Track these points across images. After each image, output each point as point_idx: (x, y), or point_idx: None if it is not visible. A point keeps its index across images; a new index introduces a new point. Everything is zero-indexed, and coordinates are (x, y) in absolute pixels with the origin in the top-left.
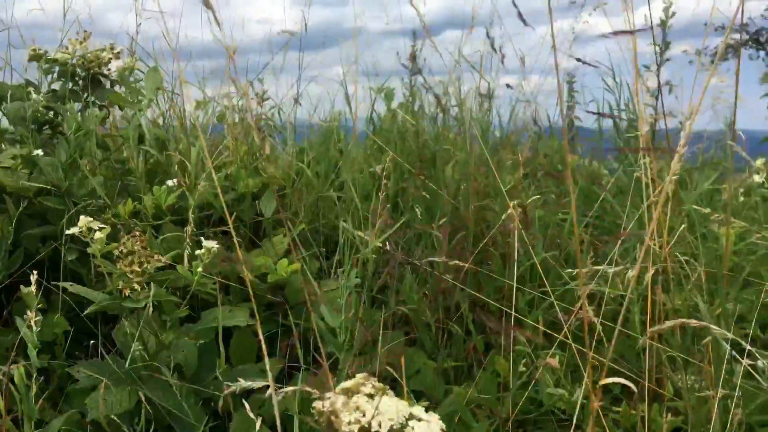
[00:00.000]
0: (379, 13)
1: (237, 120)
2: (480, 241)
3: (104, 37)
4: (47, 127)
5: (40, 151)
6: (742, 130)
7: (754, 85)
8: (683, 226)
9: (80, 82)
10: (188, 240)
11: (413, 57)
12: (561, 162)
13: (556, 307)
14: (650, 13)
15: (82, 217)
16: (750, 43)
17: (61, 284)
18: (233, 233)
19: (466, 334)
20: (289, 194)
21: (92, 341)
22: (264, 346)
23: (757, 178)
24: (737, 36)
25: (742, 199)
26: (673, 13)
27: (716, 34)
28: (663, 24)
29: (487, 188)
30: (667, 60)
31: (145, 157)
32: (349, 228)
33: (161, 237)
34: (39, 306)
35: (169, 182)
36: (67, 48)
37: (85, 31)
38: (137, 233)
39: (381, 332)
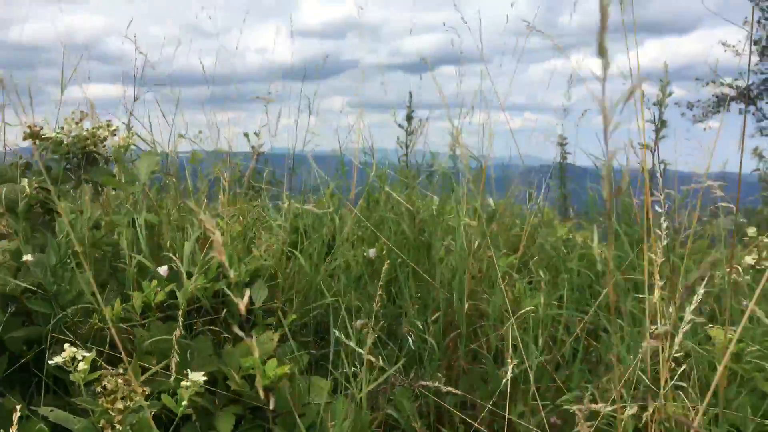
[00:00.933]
0: (375, 47)
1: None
2: (473, 339)
3: (102, 60)
4: (38, 205)
5: (29, 256)
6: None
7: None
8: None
9: (74, 159)
10: (176, 346)
11: (407, 134)
12: (558, 243)
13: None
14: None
15: (66, 347)
16: (740, 98)
17: (41, 410)
18: (222, 329)
19: None
20: (281, 282)
21: None
22: None
23: (749, 260)
24: (728, 89)
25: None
26: (670, 93)
27: (706, 81)
28: (659, 104)
29: (481, 273)
30: (662, 138)
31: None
32: (341, 338)
33: (149, 340)
34: (20, 414)
35: (160, 270)
36: (62, 128)
37: (82, 111)
38: (120, 372)
39: None
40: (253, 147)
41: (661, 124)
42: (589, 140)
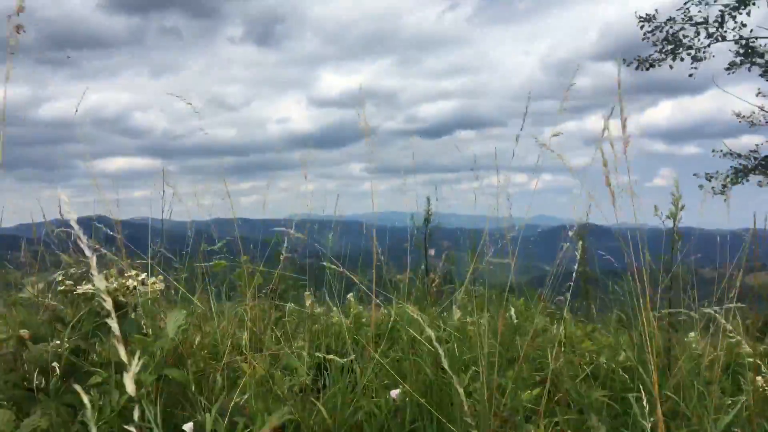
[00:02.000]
0: (392, 113)
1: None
2: None
3: (130, 135)
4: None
5: None
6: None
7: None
8: None
9: (102, 312)
10: None
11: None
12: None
13: None
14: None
15: None
16: (759, 168)
17: None
18: None
19: None
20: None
21: None
22: None
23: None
24: (746, 161)
25: None
26: (683, 206)
27: (723, 153)
28: (673, 216)
29: (505, 409)
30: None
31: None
32: None
33: None
34: None
35: (186, 429)
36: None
37: (112, 269)
38: None
39: None
40: (279, 252)
41: (678, 237)
42: (608, 198)
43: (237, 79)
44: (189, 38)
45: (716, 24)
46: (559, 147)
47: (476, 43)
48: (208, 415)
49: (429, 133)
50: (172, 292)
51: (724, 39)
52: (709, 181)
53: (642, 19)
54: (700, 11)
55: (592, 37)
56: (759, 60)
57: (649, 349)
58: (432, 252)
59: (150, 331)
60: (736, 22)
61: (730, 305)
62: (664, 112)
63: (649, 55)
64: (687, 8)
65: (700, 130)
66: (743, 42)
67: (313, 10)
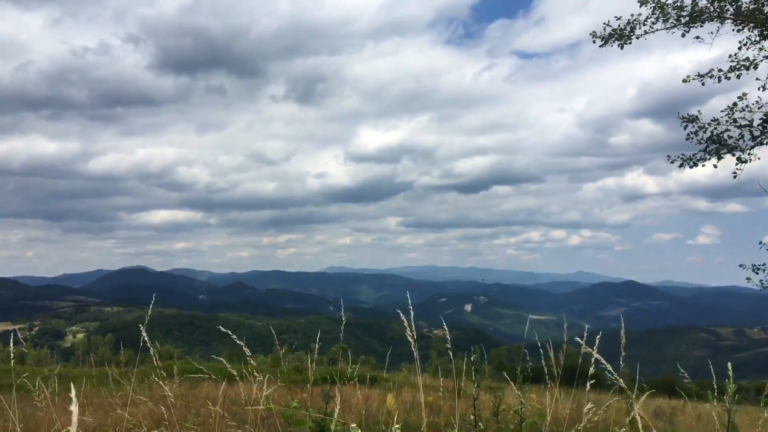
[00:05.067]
0: (428, 169)
1: None
2: None
3: (174, 189)
4: None
5: None
6: None
7: None
8: None
9: None
10: None
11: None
12: None
13: None
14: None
15: None
16: None
17: None
18: None
19: None
20: None
21: None
22: None
23: None
24: None
25: None
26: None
27: None
28: None
29: None
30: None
31: None
32: None
33: None
34: None
35: None
36: None
37: None
38: None
39: None
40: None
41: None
42: (650, 256)
43: (278, 135)
44: (233, 97)
45: (760, 128)
46: (599, 203)
47: (513, 101)
48: None
49: (465, 188)
50: None
51: None
52: (757, 273)
53: (685, 120)
54: (744, 116)
55: (630, 93)
56: None
57: None
58: (469, 308)
59: None
60: None
61: None
62: (706, 169)
63: (693, 154)
64: (732, 111)
65: (743, 188)
66: None
67: (354, 69)
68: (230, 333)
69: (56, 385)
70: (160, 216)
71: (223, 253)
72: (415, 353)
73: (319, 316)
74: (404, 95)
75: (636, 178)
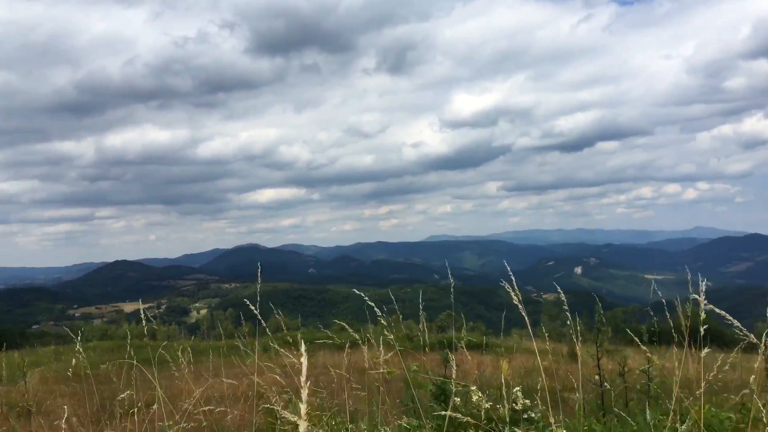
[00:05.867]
0: (527, 130)
1: None
2: None
3: (277, 168)
4: None
5: None
6: None
7: None
8: None
9: None
10: None
11: None
12: None
13: None
14: None
15: None
16: None
17: None
18: None
19: None
20: None
21: None
22: None
23: None
24: None
25: None
26: None
27: None
28: None
29: None
30: None
31: None
32: None
33: None
34: None
35: None
36: None
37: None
38: None
39: None
40: None
41: None
42: None
43: (372, 107)
44: (327, 73)
45: None
46: (715, 152)
47: (614, 51)
48: None
49: (568, 147)
50: None
51: None
52: None
53: None
54: None
55: (744, 32)
56: None
57: None
58: (579, 270)
59: None
60: None
61: None
62: None
63: None
64: None
65: None
66: None
67: (444, 33)
68: (363, 295)
69: (191, 356)
70: (266, 195)
71: (327, 228)
72: (525, 318)
73: (425, 285)
74: (497, 56)
75: (755, 123)
